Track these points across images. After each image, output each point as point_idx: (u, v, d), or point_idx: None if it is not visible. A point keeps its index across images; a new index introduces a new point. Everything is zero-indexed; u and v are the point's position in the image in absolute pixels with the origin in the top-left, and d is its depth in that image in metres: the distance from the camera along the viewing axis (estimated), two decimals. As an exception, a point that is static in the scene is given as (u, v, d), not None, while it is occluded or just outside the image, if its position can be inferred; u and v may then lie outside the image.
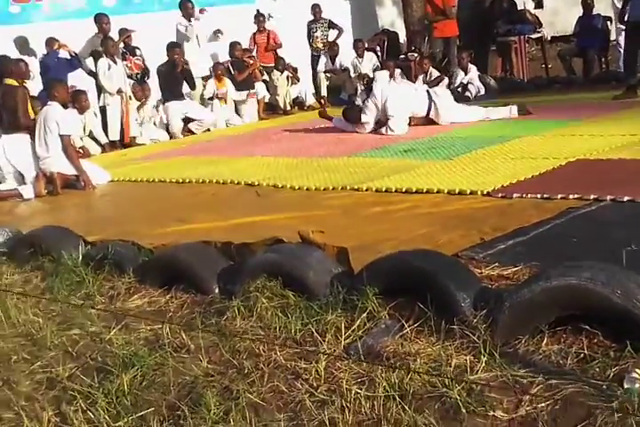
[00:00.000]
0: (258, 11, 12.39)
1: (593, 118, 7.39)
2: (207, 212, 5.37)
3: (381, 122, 8.21)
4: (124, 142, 10.00)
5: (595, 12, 11.55)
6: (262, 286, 3.54)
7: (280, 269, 3.56)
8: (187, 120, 10.66)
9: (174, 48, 10.55)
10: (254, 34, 12.41)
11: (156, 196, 6.41)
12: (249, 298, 3.50)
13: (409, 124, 8.21)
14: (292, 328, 3.23)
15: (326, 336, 3.12)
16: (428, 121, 8.32)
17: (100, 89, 10.05)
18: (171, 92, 10.53)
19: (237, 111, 11.42)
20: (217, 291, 3.78)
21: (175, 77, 10.55)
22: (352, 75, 12.17)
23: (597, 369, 2.57)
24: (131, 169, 7.89)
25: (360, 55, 12.33)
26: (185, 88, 10.81)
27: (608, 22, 11.33)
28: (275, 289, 3.52)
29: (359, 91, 11.10)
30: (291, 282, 3.52)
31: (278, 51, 12.82)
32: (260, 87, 11.67)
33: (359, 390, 2.66)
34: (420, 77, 11.07)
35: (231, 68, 11.34)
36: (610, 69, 10.79)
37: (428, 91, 8.45)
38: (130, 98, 10.09)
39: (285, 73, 11.97)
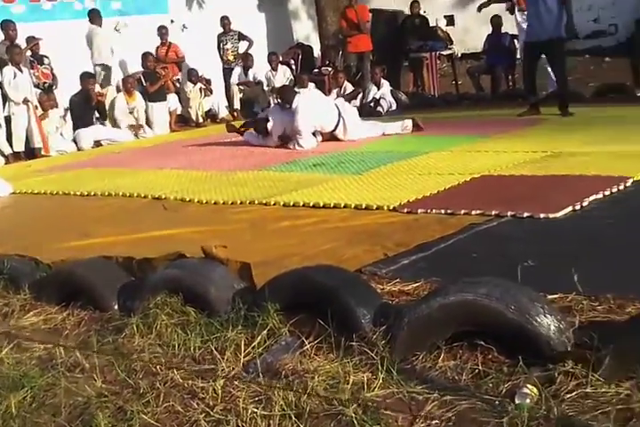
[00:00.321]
0: (161, 25, 12.24)
1: (499, 135, 7.54)
2: (111, 226, 5.27)
3: (288, 136, 8.21)
4: (45, 153, 9.77)
5: (503, 30, 11.83)
6: (162, 302, 3.48)
7: (181, 285, 3.50)
8: (98, 143, 10.49)
9: (88, 79, 10.39)
10: (157, 47, 12.23)
11: (59, 209, 6.25)
12: (148, 315, 3.43)
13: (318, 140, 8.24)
14: (192, 346, 3.18)
15: (226, 354, 3.07)
16: (332, 137, 8.33)
17: (5, 98, 9.79)
18: (82, 121, 10.37)
19: (148, 123, 11.27)
20: (116, 308, 3.70)
21: (88, 109, 10.47)
22: (265, 88, 12.16)
23: (491, 385, 2.59)
24: (34, 181, 7.70)
25: (274, 68, 12.34)
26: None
27: (515, 40, 11.60)
28: (175, 306, 3.46)
29: (272, 104, 11.09)
30: (192, 298, 3.47)
31: (191, 62, 12.74)
32: (172, 99, 11.55)
33: (255, 409, 2.62)
34: (335, 91, 11.13)
35: (143, 79, 11.19)
36: (516, 87, 11.04)
37: (337, 106, 8.49)
38: (36, 107, 9.86)
39: (198, 85, 11.88)
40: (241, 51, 13.03)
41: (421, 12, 13.20)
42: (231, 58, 12.80)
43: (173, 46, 12.27)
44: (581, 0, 13.64)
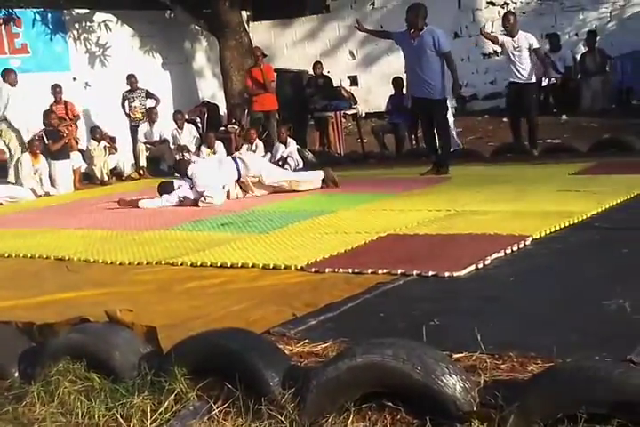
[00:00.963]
0: (55, 83, 12.12)
1: (403, 193, 7.68)
2: (10, 288, 5.11)
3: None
4: None
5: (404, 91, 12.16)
6: (65, 368, 3.39)
7: (84, 351, 3.43)
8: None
9: None
10: (51, 105, 12.06)
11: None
12: (50, 382, 3.34)
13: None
14: (96, 413, 3.11)
15: (132, 421, 3.02)
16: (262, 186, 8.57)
17: None
18: None
19: (51, 181, 11.05)
20: (16, 375, 3.58)
21: None
22: (172, 146, 12.12)
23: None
24: None
25: (180, 127, 12.34)
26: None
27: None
28: (78, 372, 3.38)
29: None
30: (96, 364, 3.39)
31: (95, 120, 12.65)
32: (75, 157, 11.39)
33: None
34: (245, 147, 11.20)
35: (45, 137, 11.02)
36: (420, 146, 11.31)
37: (232, 157, 8.79)
38: None
39: (102, 143, 11.76)
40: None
41: (325, 73, 13.47)
42: (139, 115, 12.74)
43: (69, 104, 12.10)
44: (478, 63, 14.27)
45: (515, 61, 9.76)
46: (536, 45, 9.79)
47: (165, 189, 8.51)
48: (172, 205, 8.32)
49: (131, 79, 12.97)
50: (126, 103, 12.96)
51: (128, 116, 12.89)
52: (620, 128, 10.65)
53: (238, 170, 8.48)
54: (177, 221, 7.30)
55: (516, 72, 9.76)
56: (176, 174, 10.02)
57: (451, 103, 10.13)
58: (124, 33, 14.60)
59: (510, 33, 9.86)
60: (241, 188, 8.56)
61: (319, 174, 8.59)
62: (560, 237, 5.24)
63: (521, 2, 14.58)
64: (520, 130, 10.08)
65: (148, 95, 13.08)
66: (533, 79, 9.86)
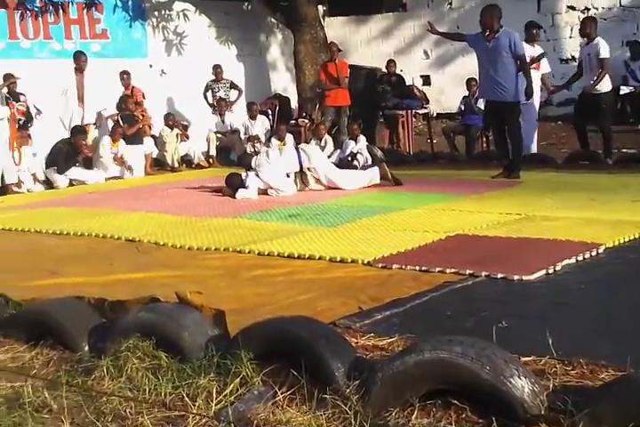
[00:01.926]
0: (123, 70, 12.26)
1: (473, 195, 7.62)
2: (83, 266, 5.23)
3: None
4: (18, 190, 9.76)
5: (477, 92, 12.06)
6: (134, 345, 3.44)
7: (154, 330, 3.47)
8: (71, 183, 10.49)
9: (80, 134, 10.42)
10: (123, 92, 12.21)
11: (30, 246, 6.21)
12: (119, 358, 3.39)
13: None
14: (163, 391, 3.14)
15: (197, 401, 3.05)
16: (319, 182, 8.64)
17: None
18: (61, 168, 10.36)
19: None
20: (86, 348, 3.65)
21: (73, 160, 10.48)
22: (242, 136, 12.22)
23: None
24: (6, 217, 7.64)
25: (252, 117, 12.43)
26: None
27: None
28: (147, 349, 3.43)
29: (249, 152, 11.17)
30: (164, 343, 3.44)
31: (169, 107, 12.83)
32: (148, 142, 11.56)
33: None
34: (314, 142, 11.22)
35: (121, 121, 11.21)
36: (491, 149, 11.20)
37: (296, 148, 8.88)
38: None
39: (175, 130, 11.91)
40: (232, 99, 13.22)
41: (398, 71, 13.43)
42: (222, 104, 12.89)
43: (136, 90, 12.24)
44: (555, 68, 14.02)
45: (587, 70, 9.65)
46: (604, 55, 9.61)
47: (233, 180, 8.56)
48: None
49: (217, 69, 13.20)
50: (209, 93, 13.14)
51: (211, 105, 13.04)
52: None
53: (300, 161, 8.53)
54: (245, 210, 7.37)
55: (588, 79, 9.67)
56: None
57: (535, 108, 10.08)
58: (201, 23, 14.75)
59: (588, 38, 9.74)
60: (302, 179, 8.60)
61: (375, 173, 8.60)
62: (634, 246, 5.16)
63: (602, 8, 14.28)
64: (586, 138, 9.94)
65: (233, 86, 13.31)
66: (605, 89, 9.68)
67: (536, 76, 9.76)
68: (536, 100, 9.95)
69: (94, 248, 5.94)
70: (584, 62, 9.77)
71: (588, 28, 9.80)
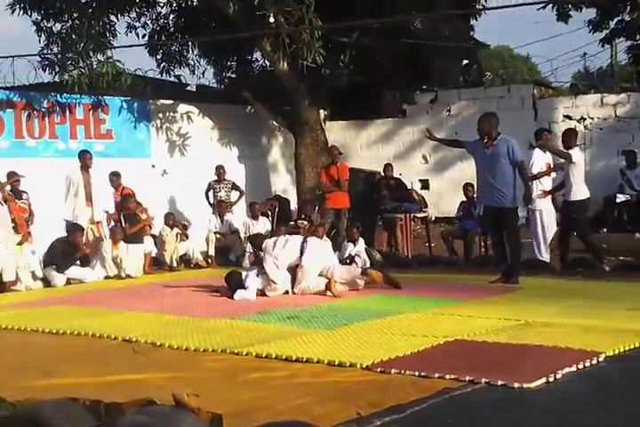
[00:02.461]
0: (112, 171, 12.40)
1: (472, 300, 7.62)
2: (79, 366, 5.17)
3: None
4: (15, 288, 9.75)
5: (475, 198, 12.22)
6: (129, 449, 3.37)
7: (151, 433, 3.42)
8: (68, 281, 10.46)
9: (78, 231, 10.50)
10: (113, 193, 12.25)
11: (26, 345, 6.16)
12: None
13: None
14: None
15: None
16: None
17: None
18: (59, 267, 10.36)
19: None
20: (80, 453, 3.58)
21: (71, 258, 10.49)
22: (242, 235, 12.28)
23: None
24: (3, 315, 7.59)
25: (254, 217, 12.55)
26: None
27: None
28: (142, 453, 3.36)
29: (247, 253, 11.21)
30: (161, 446, 3.37)
31: (169, 207, 12.99)
32: (148, 242, 11.63)
33: None
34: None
35: (123, 220, 11.30)
36: (489, 253, 11.26)
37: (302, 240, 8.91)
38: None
39: (175, 230, 11.99)
40: (232, 200, 13.49)
41: (396, 175, 13.67)
42: (223, 205, 13.04)
43: (127, 190, 12.30)
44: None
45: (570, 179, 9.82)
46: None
47: (232, 278, 8.57)
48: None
49: (219, 170, 13.48)
50: (211, 192, 13.33)
51: (212, 205, 13.20)
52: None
53: (302, 251, 8.55)
54: (243, 312, 7.35)
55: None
56: (243, 265, 10.20)
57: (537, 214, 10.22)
58: (204, 124, 15.13)
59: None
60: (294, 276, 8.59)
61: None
62: (634, 355, 5.12)
63: (598, 117, 14.68)
64: (566, 247, 10.04)
65: (234, 187, 13.56)
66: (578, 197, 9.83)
67: (547, 182, 9.94)
68: (547, 205, 10.08)
69: (90, 348, 5.88)
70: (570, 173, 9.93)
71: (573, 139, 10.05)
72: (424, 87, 17.85)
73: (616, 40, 18.32)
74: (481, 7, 16.01)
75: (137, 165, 13.31)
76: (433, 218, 14.34)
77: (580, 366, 4.76)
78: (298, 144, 14.66)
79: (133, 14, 14.61)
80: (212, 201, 13.34)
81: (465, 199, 12.10)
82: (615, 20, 16.56)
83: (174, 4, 14.99)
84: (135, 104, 14.04)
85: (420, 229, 14.20)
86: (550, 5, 15.15)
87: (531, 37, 45.11)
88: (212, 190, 13.43)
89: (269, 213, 14.04)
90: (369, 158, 16.06)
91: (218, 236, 12.46)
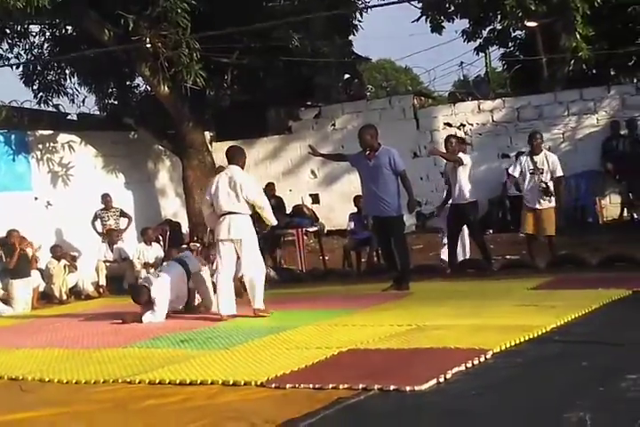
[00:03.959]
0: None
1: (364, 309, 7.69)
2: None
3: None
4: None
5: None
6: None
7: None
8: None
9: None
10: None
11: None
12: None
13: None
14: None
15: None
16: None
17: None
18: None
19: (9, 300, 10.89)
20: None
21: None
22: (136, 261, 12.06)
23: None
24: None
25: (148, 242, 12.35)
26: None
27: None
28: None
29: (143, 277, 11.01)
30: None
31: (55, 238, 12.65)
32: (35, 276, 11.29)
33: None
34: (206, 268, 11.15)
35: (3, 256, 10.95)
36: (381, 262, 11.38)
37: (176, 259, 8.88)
38: None
39: (62, 261, 11.69)
40: (122, 227, 13.23)
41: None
42: (113, 233, 12.80)
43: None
44: (437, 181, 14.58)
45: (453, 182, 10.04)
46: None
47: (141, 293, 8.33)
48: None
49: (106, 198, 13.26)
50: (98, 221, 13.06)
51: (100, 234, 12.94)
52: (575, 245, 10.86)
53: (187, 270, 8.52)
54: (135, 339, 7.19)
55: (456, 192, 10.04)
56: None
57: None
58: (87, 153, 14.81)
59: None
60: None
61: None
62: (520, 351, 5.25)
63: (477, 123, 15.11)
64: (455, 248, 10.25)
65: (122, 214, 13.33)
66: (470, 198, 10.07)
67: None
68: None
69: (-26, 390, 5.67)
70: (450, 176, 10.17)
71: (450, 144, 10.29)
72: (308, 103, 17.97)
73: (490, 48, 19.04)
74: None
75: (18, 198, 12.93)
76: (325, 231, 14.43)
77: (469, 365, 4.86)
78: (185, 167, 14.52)
79: (5, 46, 14.23)
80: (99, 230, 13.08)
81: (356, 211, 12.21)
82: (487, 29, 17.17)
83: (47, 34, 14.68)
84: (13, 136, 13.64)
85: (313, 242, 14.26)
86: (424, 17, 15.56)
87: (412, 49, 46.26)
88: (99, 219, 13.16)
89: (161, 237, 13.85)
90: (258, 176, 15.97)
91: (108, 264, 12.21)
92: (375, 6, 14.04)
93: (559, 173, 9.97)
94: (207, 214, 8.43)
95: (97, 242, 12.83)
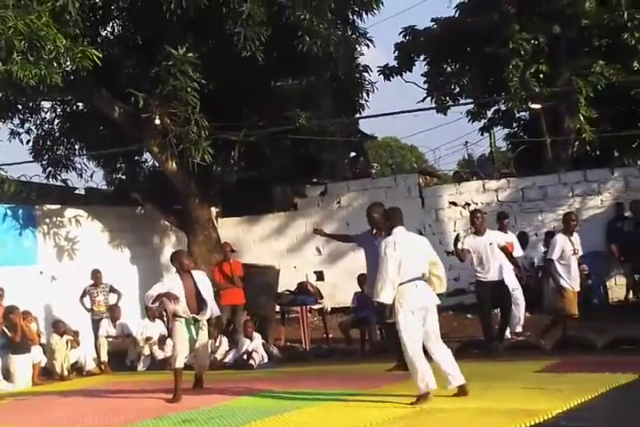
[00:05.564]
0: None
1: (369, 390, 7.56)
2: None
3: None
4: None
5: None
6: None
7: None
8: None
9: None
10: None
11: None
12: None
13: None
14: None
15: None
16: None
17: None
18: None
19: (9, 376, 10.77)
20: None
21: None
22: (139, 337, 11.96)
23: None
24: None
25: (152, 319, 12.27)
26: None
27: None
28: None
29: (142, 356, 10.93)
30: None
31: (59, 313, 12.59)
32: (36, 351, 11.19)
33: None
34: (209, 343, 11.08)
35: (7, 330, 10.88)
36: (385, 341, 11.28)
37: None
38: None
39: (65, 337, 11.59)
40: (111, 303, 13.07)
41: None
42: (103, 309, 12.77)
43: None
44: (442, 260, 14.54)
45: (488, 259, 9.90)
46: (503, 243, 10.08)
47: None
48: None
49: (96, 274, 13.12)
50: (87, 297, 12.97)
51: (89, 310, 12.87)
52: (581, 327, 10.77)
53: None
54: (136, 418, 7.11)
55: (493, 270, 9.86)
56: (138, 369, 9.87)
57: None
58: (94, 228, 14.89)
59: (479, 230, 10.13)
60: None
61: None
62: (527, 436, 5.18)
63: (482, 202, 15.18)
64: (492, 324, 10.11)
65: (112, 290, 13.18)
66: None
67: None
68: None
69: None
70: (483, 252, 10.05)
71: (477, 219, 10.25)
72: (314, 180, 18.13)
73: (494, 128, 19.30)
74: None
75: (23, 272, 12.93)
76: (329, 309, 14.36)
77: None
78: (190, 242, 14.56)
79: (17, 121, 14.49)
80: (88, 306, 12.94)
81: (360, 290, 12.16)
82: (492, 109, 17.46)
83: (59, 110, 14.96)
84: (20, 211, 13.74)
85: (317, 320, 14.16)
86: (429, 98, 15.86)
87: (418, 127, 46.99)
88: (88, 295, 13.02)
89: (165, 313, 13.76)
90: (263, 253, 16.07)
91: (110, 340, 12.12)
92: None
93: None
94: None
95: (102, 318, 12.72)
